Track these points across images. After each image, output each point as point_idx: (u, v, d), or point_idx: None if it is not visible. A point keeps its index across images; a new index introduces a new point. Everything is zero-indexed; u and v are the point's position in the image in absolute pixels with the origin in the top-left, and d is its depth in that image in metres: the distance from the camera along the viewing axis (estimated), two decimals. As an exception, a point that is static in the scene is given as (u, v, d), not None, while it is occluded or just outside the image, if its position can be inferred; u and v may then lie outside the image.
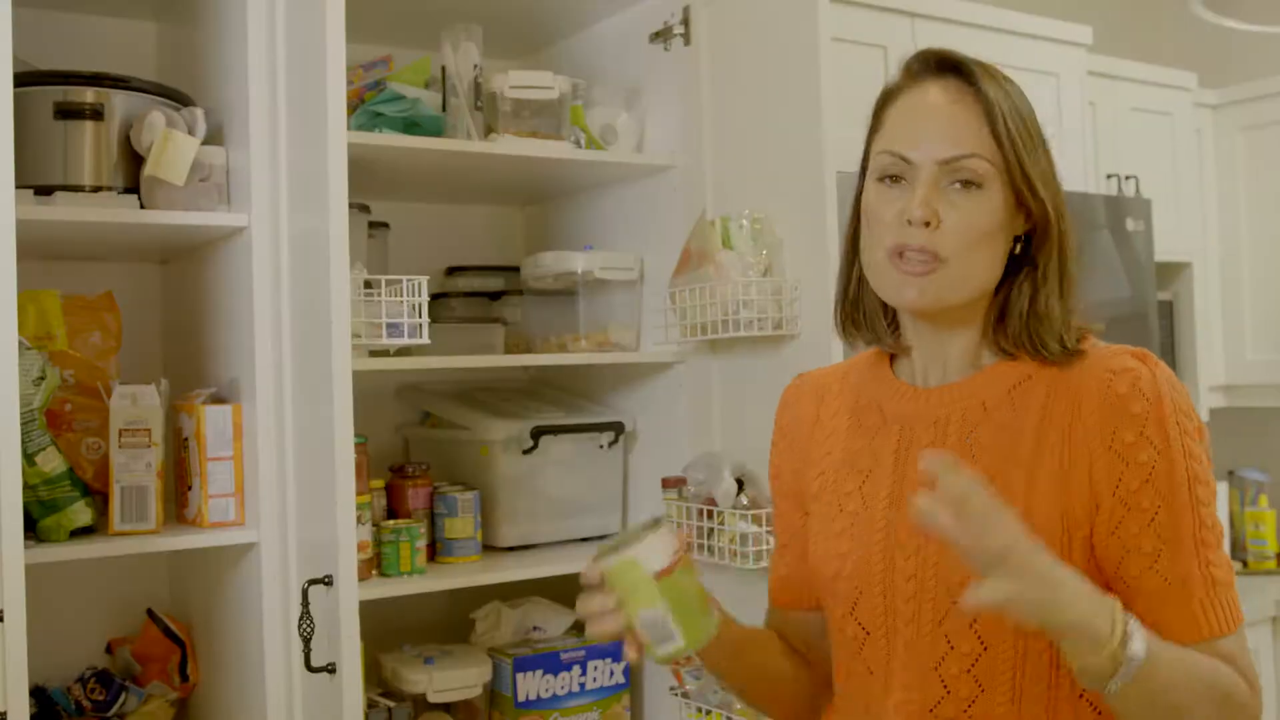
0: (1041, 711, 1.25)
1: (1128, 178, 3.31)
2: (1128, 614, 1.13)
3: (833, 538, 1.38)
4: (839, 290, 1.44)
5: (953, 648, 1.27)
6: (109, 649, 2.37)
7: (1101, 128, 3.29)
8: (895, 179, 1.30)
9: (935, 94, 1.31)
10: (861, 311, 1.42)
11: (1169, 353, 3.50)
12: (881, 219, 1.30)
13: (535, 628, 2.54)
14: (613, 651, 2.47)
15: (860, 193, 1.37)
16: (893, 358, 1.43)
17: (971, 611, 1.15)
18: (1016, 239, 1.32)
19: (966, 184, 1.27)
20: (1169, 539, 1.22)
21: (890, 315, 1.41)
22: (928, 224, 1.26)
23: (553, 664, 2.40)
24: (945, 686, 1.27)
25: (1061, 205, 1.31)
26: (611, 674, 2.47)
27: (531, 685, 2.38)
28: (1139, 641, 1.11)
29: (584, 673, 2.44)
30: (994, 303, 1.33)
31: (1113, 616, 1.11)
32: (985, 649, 1.26)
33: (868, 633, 1.34)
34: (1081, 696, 1.25)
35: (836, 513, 1.39)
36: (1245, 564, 3.71)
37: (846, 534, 1.37)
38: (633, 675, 2.53)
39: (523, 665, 2.37)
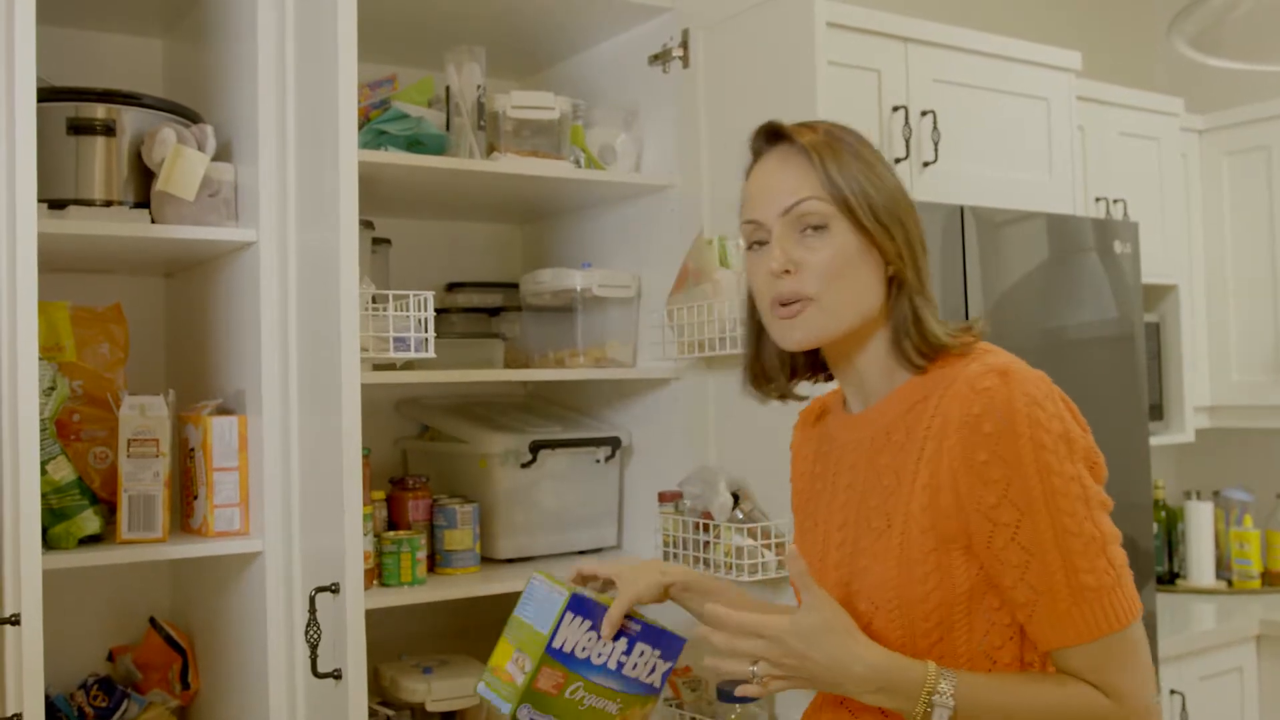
0: None
1: (1115, 201, 3.36)
2: (942, 676, 1.29)
3: None
4: (746, 353, 1.58)
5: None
6: (110, 657, 2.40)
7: (1090, 152, 3.34)
8: (759, 244, 1.45)
9: (768, 162, 1.48)
10: (764, 367, 1.56)
11: (1155, 373, 3.54)
12: (757, 280, 1.46)
13: (532, 639, 2.56)
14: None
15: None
16: None
17: None
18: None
19: (816, 228, 1.40)
20: (1035, 551, 1.28)
21: (794, 365, 1.55)
22: (788, 271, 1.40)
23: (549, 675, 2.43)
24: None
25: (898, 225, 1.41)
26: (607, 685, 2.49)
27: (528, 696, 2.40)
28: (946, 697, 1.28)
29: (579, 684, 2.46)
30: (887, 324, 1.44)
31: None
32: None
33: None
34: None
35: None
36: (1230, 583, 3.74)
37: None
38: (627, 686, 2.55)
39: (520, 676, 2.39)
